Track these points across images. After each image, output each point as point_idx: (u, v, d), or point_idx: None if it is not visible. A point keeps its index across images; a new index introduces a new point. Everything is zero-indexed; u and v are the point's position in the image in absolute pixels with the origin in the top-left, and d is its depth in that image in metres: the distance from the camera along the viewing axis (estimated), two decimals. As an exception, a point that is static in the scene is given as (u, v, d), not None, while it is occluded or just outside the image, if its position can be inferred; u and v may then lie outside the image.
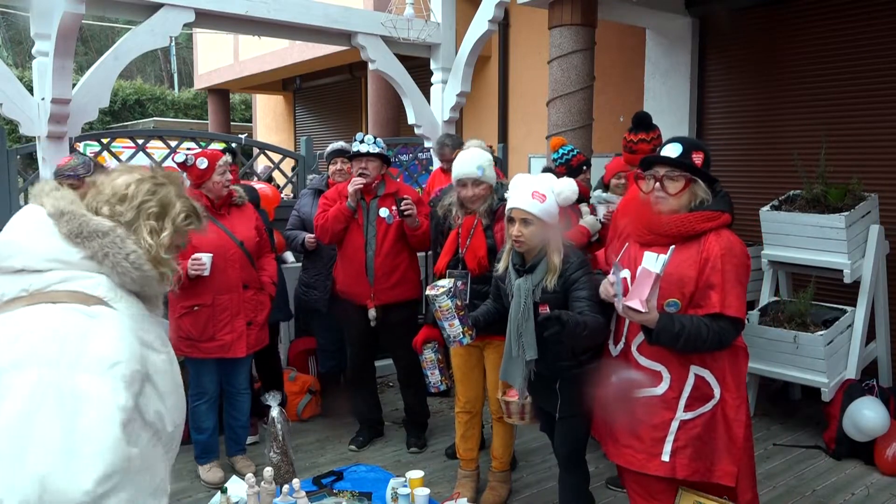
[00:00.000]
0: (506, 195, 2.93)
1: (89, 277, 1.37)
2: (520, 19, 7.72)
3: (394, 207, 4.07)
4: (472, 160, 3.43)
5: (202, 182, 3.71)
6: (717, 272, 2.39)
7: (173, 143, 4.95)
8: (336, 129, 12.05)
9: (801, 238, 4.51)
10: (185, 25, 4.41)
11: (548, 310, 2.70)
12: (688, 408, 2.48)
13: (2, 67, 3.90)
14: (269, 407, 3.76)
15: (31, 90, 4.05)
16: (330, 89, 12.10)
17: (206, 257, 3.57)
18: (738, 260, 2.44)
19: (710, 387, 2.48)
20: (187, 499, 3.74)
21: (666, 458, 2.48)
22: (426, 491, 3.24)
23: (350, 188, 4.02)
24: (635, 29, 6.37)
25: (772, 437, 4.48)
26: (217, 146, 4.84)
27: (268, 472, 3.22)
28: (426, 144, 5.70)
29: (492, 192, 3.49)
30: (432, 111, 5.60)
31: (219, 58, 12.58)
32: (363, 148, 4.04)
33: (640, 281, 2.33)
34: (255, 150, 5.75)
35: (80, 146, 5.26)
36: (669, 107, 6.15)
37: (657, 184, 2.49)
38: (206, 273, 3.57)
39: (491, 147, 4.87)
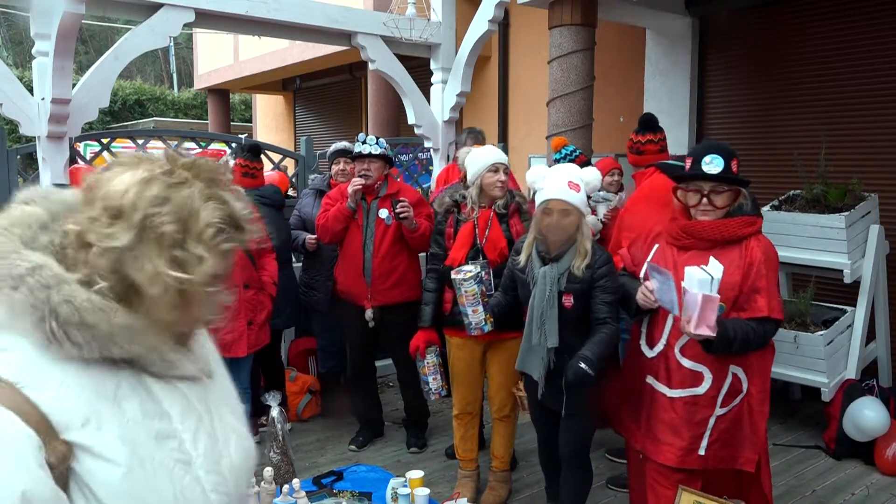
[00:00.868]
0: (537, 187, 2.92)
1: None
2: (520, 19, 7.72)
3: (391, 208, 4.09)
4: (500, 152, 3.53)
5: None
6: (763, 277, 2.51)
7: (173, 143, 4.95)
8: (336, 130, 12.04)
9: (802, 238, 4.51)
10: (185, 25, 4.41)
11: (572, 300, 2.77)
12: (723, 404, 2.61)
13: (2, 67, 3.90)
14: (269, 407, 3.75)
15: (31, 90, 4.04)
16: (330, 89, 12.09)
17: None
18: (776, 264, 2.59)
19: (741, 382, 2.62)
20: (187, 499, 3.74)
21: (702, 451, 2.62)
22: (426, 491, 3.24)
23: (350, 189, 4.02)
24: (635, 29, 6.37)
25: (772, 437, 4.47)
26: (217, 146, 4.84)
27: (268, 472, 3.22)
28: (426, 144, 5.70)
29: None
30: (432, 111, 5.60)
31: (219, 58, 12.57)
32: (365, 149, 4.04)
33: (704, 308, 2.37)
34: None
35: (81, 146, 5.26)
36: (669, 107, 6.15)
37: (704, 199, 2.56)
38: None
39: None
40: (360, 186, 4.02)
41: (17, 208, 1.01)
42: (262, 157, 5.42)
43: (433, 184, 5.35)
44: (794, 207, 4.66)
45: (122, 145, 5.31)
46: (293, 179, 5.87)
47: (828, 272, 4.51)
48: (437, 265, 3.60)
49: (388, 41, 5.24)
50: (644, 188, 3.59)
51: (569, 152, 4.11)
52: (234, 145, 5.32)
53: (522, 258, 2.92)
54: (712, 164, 2.54)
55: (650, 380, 2.71)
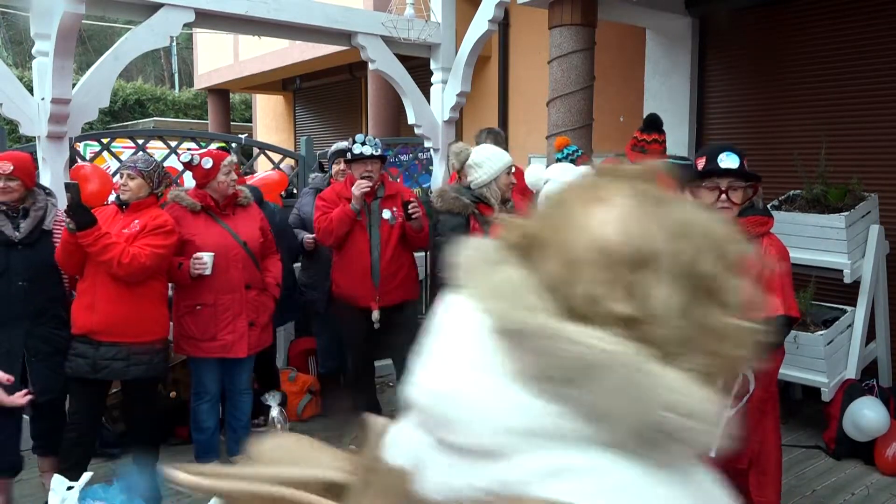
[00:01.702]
0: (538, 187, 2.90)
1: (574, 457, 0.67)
2: (520, 19, 7.71)
3: (394, 209, 4.08)
4: (506, 152, 3.53)
5: (207, 182, 3.71)
6: (777, 276, 2.55)
7: (173, 143, 4.95)
8: (336, 130, 12.04)
9: (801, 238, 4.51)
10: (185, 25, 4.40)
11: None
12: (732, 405, 2.61)
13: (2, 67, 3.90)
14: (269, 407, 3.75)
15: (31, 90, 4.04)
16: (330, 89, 12.09)
17: (207, 256, 3.57)
18: (789, 263, 2.64)
19: (748, 383, 2.66)
20: (187, 499, 3.74)
21: (713, 454, 2.56)
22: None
23: (356, 191, 3.98)
24: (635, 29, 6.37)
25: (772, 437, 4.48)
26: (216, 146, 4.84)
27: (268, 471, 3.22)
28: (426, 144, 5.69)
29: None
30: (432, 111, 5.60)
31: (219, 58, 12.57)
32: (367, 150, 4.01)
33: None
34: (255, 150, 5.75)
35: (81, 146, 5.26)
36: (669, 107, 6.14)
37: (722, 195, 2.59)
38: (208, 272, 3.58)
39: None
40: (368, 188, 4.00)
41: (497, 267, 0.74)
42: (262, 156, 5.43)
43: (433, 185, 5.35)
44: (794, 207, 4.66)
45: (122, 145, 5.31)
46: (293, 179, 5.86)
47: (828, 272, 4.51)
48: None
49: (388, 41, 5.24)
50: None
51: (571, 152, 4.11)
52: (233, 145, 5.32)
53: None
54: (729, 160, 2.57)
55: None
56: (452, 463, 0.72)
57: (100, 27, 24.40)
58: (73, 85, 4.07)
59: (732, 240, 0.73)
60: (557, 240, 0.72)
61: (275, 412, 3.69)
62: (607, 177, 0.76)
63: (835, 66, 5.28)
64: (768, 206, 4.73)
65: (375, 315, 4.10)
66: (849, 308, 4.53)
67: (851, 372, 4.38)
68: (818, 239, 4.43)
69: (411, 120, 5.54)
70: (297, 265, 4.83)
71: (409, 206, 3.96)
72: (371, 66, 5.35)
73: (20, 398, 2.42)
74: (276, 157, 5.70)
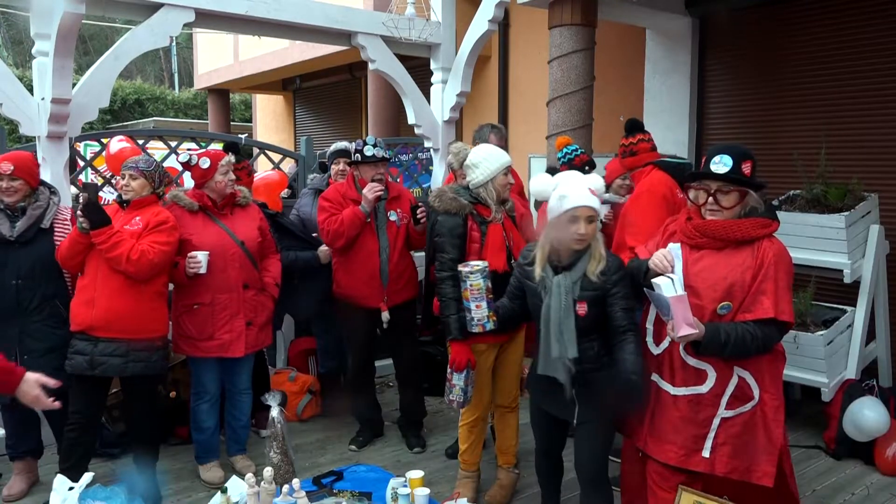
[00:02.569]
0: (546, 196, 2.86)
1: None
2: (520, 19, 7.72)
3: (399, 210, 4.11)
4: (505, 152, 3.48)
5: (205, 182, 3.73)
6: (770, 279, 2.51)
7: (173, 143, 4.95)
8: (336, 130, 12.04)
9: (801, 238, 4.51)
10: (185, 25, 4.41)
11: (586, 307, 2.69)
12: (729, 406, 2.60)
13: (2, 67, 3.90)
14: (269, 407, 3.75)
15: (31, 90, 4.04)
16: (330, 89, 12.09)
17: (201, 255, 3.58)
18: (789, 267, 2.58)
19: (750, 388, 2.61)
20: (187, 498, 3.75)
21: (706, 453, 2.60)
22: (426, 491, 3.24)
23: (370, 195, 3.98)
24: (635, 29, 6.37)
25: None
26: (217, 146, 4.83)
27: (268, 471, 3.22)
28: (426, 144, 5.70)
29: None
30: (432, 111, 5.60)
31: (219, 58, 12.57)
32: (378, 153, 4.03)
33: (675, 309, 2.41)
34: (255, 150, 5.75)
35: (81, 146, 5.26)
36: (669, 106, 6.15)
37: (710, 198, 2.58)
38: (203, 271, 3.59)
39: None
40: (381, 192, 4.03)
41: None
42: (262, 156, 5.42)
43: (433, 185, 5.35)
44: (794, 207, 4.66)
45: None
46: (293, 180, 5.86)
47: (828, 272, 4.51)
48: (455, 270, 3.32)
49: (388, 41, 5.24)
50: (644, 185, 3.60)
51: (570, 151, 4.10)
52: (226, 143, 5.31)
53: (538, 268, 2.79)
54: (720, 164, 2.56)
55: (655, 377, 2.71)
56: None
57: (100, 27, 24.40)
58: (73, 85, 4.07)
59: None
60: None
61: (275, 412, 3.69)
62: None
63: (835, 65, 5.28)
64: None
65: (385, 316, 4.12)
66: (849, 308, 4.53)
67: (851, 372, 4.38)
68: (818, 239, 4.44)
69: (411, 120, 5.55)
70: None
71: (418, 211, 4.01)
72: (371, 66, 5.36)
73: (52, 403, 2.48)
74: (277, 157, 5.70)
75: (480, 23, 5.29)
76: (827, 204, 4.51)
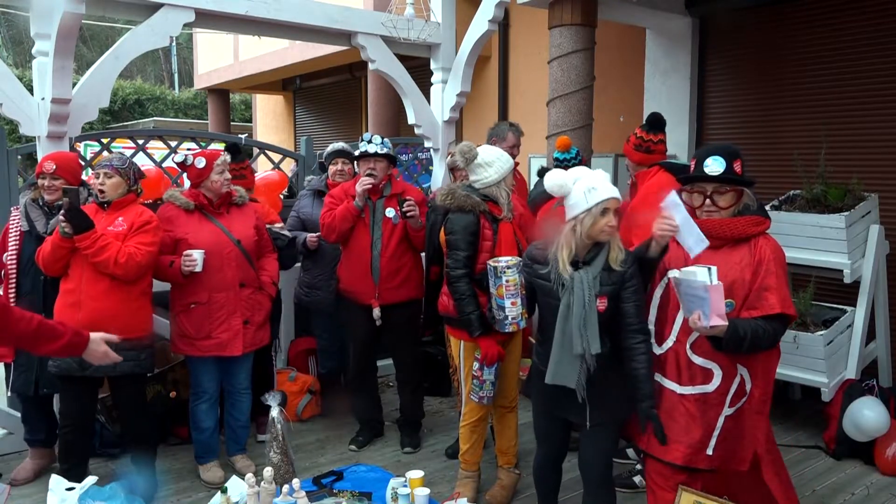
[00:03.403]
0: (564, 191, 2.82)
1: None
2: (520, 19, 7.72)
3: (398, 208, 4.09)
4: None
5: (201, 181, 3.72)
6: (772, 275, 2.56)
7: (173, 143, 4.95)
8: (336, 130, 12.04)
9: (801, 238, 4.51)
10: (185, 25, 4.40)
11: (606, 302, 2.68)
12: (731, 403, 2.65)
13: (2, 67, 3.89)
14: (269, 407, 3.75)
15: (31, 90, 4.04)
16: (330, 89, 12.09)
17: (197, 254, 3.58)
18: (785, 262, 2.64)
19: (745, 384, 2.66)
20: (187, 498, 3.75)
21: (710, 451, 2.65)
22: (426, 491, 3.24)
23: (358, 188, 4.01)
24: (635, 29, 6.37)
25: (772, 437, 4.48)
26: (217, 146, 4.84)
27: (268, 471, 3.22)
28: (426, 144, 5.69)
29: None
30: (432, 111, 5.60)
31: (219, 58, 12.58)
32: (371, 148, 4.04)
33: (713, 298, 2.40)
34: (255, 150, 5.75)
35: (81, 146, 5.26)
36: (669, 107, 6.14)
37: (707, 200, 2.62)
38: (198, 269, 3.59)
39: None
40: (370, 185, 4.02)
41: None
42: (262, 156, 5.42)
43: (433, 185, 5.35)
44: (794, 207, 4.66)
45: (122, 145, 5.31)
46: (292, 180, 5.86)
47: (828, 272, 4.51)
48: (470, 268, 3.37)
49: (388, 41, 5.24)
50: (652, 186, 3.59)
51: (575, 154, 4.11)
52: (227, 144, 5.31)
53: (562, 264, 2.71)
54: (714, 166, 2.59)
55: (659, 377, 2.72)
56: None
57: (100, 27, 24.40)
58: (74, 85, 4.07)
59: None
60: None
61: (275, 412, 3.69)
62: None
63: (835, 65, 5.28)
64: (768, 206, 4.74)
65: (376, 313, 4.10)
66: (849, 308, 4.53)
67: (851, 372, 4.38)
68: (818, 239, 4.44)
69: (411, 120, 5.54)
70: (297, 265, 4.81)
71: (405, 204, 3.97)
72: (371, 66, 5.35)
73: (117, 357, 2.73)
74: (277, 157, 5.71)
75: (480, 23, 5.28)
76: (827, 204, 4.51)
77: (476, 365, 3.34)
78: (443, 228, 3.50)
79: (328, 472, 3.80)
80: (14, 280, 3.67)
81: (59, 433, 3.52)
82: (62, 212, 3.29)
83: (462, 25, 5.50)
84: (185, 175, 4.37)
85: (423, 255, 4.19)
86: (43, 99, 3.96)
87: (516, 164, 3.77)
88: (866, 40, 5.10)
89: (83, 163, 4.65)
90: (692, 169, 2.68)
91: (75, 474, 3.33)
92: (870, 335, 4.63)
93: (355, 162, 4.28)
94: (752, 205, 2.68)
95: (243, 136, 5.59)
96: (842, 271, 4.37)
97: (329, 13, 4.94)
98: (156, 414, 4.31)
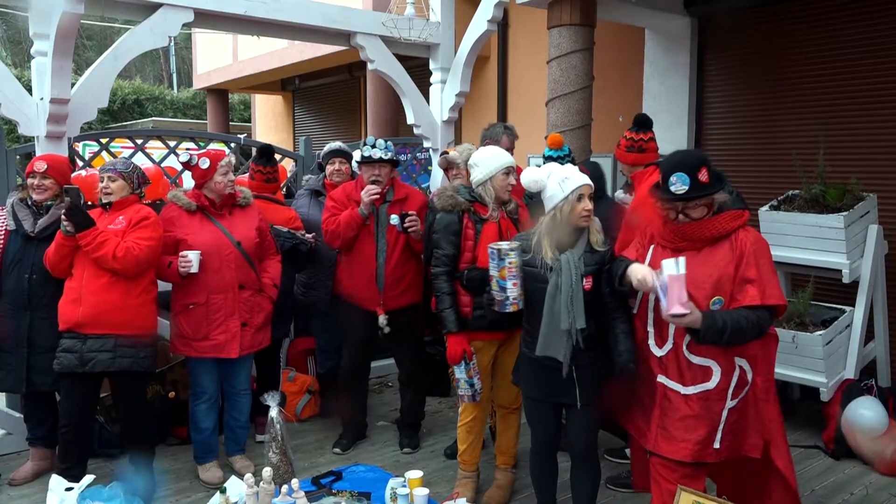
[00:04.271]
0: (540, 185, 2.97)
1: None
2: (519, 19, 7.72)
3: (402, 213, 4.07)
4: (510, 155, 3.52)
5: (204, 182, 3.73)
6: (752, 267, 2.59)
7: (172, 143, 4.95)
8: (335, 130, 12.04)
9: (800, 238, 4.51)
10: (184, 25, 4.40)
11: (591, 281, 2.89)
12: (733, 396, 2.68)
13: (0, 67, 3.89)
14: (269, 407, 3.75)
15: (29, 90, 4.04)
16: (329, 89, 12.09)
17: (192, 255, 3.59)
18: (768, 251, 2.68)
19: (746, 374, 2.70)
20: (186, 499, 3.74)
21: (717, 445, 2.69)
22: (425, 491, 3.24)
23: (365, 197, 3.96)
24: (634, 29, 6.37)
25: (771, 437, 4.47)
26: (216, 146, 4.83)
27: (267, 472, 3.22)
28: (425, 144, 5.70)
29: None
30: (431, 111, 5.60)
31: (218, 58, 12.57)
32: (376, 154, 3.98)
33: (671, 287, 2.46)
34: (254, 150, 5.74)
35: (79, 146, 5.25)
36: (668, 106, 6.15)
37: (679, 215, 2.66)
38: (194, 270, 3.59)
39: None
40: (377, 195, 3.98)
41: None
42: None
43: (431, 185, 5.34)
44: (792, 207, 4.66)
45: (121, 145, 5.30)
46: (291, 179, 5.85)
47: (826, 272, 4.51)
48: (450, 266, 3.45)
49: (387, 41, 5.24)
50: (644, 189, 3.59)
51: (568, 153, 4.10)
52: (232, 145, 5.31)
53: (548, 252, 2.92)
54: (678, 184, 2.60)
55: (662, 379, 2.75)
56: None
57: (99, 27, 24.38)
58: (72, 85, 4.07)
59: None
60: None
61: (273, 412, 3.69)
62: None
63: (834, 65, 5.28)
64: (766, 206, 4.75)
65: (382, 320, 4.08)
66: (847, 308, 4.53)
67: (850, 372, 4.39)
68: (817, 239, 4.44)
69: (410, 120, 5.55)
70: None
71: (407, 220, 3.95)
72: (370, 66, 5.35)
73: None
74: (276, 157, 5.69)
75: (479, 23, 5.29)
76: (826, 204, 4.52)
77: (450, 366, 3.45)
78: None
79: (327, 473, 3.80)
80: None
81: (59, 431, 3.53)
82: (63, 211, 3.31)
83: (461, 25, 5.50)
84: (184, 175, 4.38)
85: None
86: (42, 99, 3.96)
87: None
88: (865, 40, 5.10)
89: (81, 162, 4.66)
90: (661, 183, 2.68)
91: (74, 474, 3.33)
92: (868, 335, 4.63)
93: (358, 165, 4.20)
94: (728, 200, 2.70)
95: (242, 136, 5.59)
96: (840, 271, 4.37)
97: (328, 13, 4.94)
98: (155, 414, 4.32)
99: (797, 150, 5.12)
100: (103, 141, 4.75)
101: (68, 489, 3.15)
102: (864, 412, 4.06)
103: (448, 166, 4.25)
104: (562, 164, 3.96)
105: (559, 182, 2.90)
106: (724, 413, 2.68)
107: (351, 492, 3.51)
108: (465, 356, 3.37)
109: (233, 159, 3.85)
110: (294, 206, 4.86)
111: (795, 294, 4.68)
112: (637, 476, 3.20)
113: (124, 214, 3.50)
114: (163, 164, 4.90)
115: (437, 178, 5.56)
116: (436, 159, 5.61)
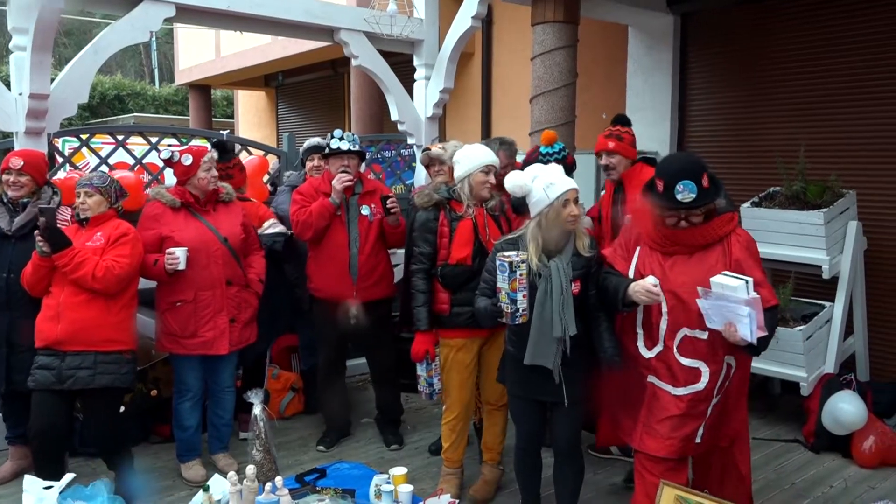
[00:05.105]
0: (525, 189, 2.94)
1: None
2: (503, 16, 7.72)
3: (373, 205, 4.07)
4: (492, 153, 3.52)
5: (187, 178, 3.69)
6: (754, 269, 2.62)
7: (154, 140, 4.90)
8: (319, 126, 11.98)
9: (781, 234, 4.56)
10: (165, 20, 4.36)
11: (579, 286, 2.89)
12: (718, 392, 2.73)
13: (-22, 62, 3.84)
14: (252, 405, 3.73)
15: (8, 85, 3.99)
16: (313, 85, 12.03)
17: (179, 251, 3.55)
18: (757, 252, 2.72)
19: (731, 368, 2.74)
20: (169, 497, 3.72)
21: (699, 439, 2.75)
22: (410, 487, 3.24)
23: (337, 184, 3.97)
24: (618, 26, 6.40)
25: (752, 432, 4.47)
26: (198, 142, 4.79)
27: (250, 469, 3.21)
28: (409, 141, 5.69)
29: None
30: (416, 107, 5.59)
31: (200, 53, 12.46)
32: (344, 145, 4.02)
33: (756, 311, 2.46)
34: (238, 147, 5.70)
35: (59, 142, 5.19)
36: (652, 104, 6.18)
37: (682, 221, 2.67)
38: (181, 267, 3.55)
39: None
40: (349, 182, 3.99)
41: None
42: (244, 152, 5.38)
43: (416, 181, 5.34)
44: (773, 204, 4.71)
45: (102, 141, 5.25)
46: (271, 173, 5.82)
47: (807, 268, 4.56)
48: (426, 264, 3.49)
49: (371, 37, 5.22)
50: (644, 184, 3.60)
51: (561, 148, 4.09)
52: (213, 141, 5.27)
53: (534, 258, 2.89)
54: (685, 192, 2.60)
55: (652, 379, 2.78)
56: None
57: (78, 23, 24.10)
58: (52, 80, 4.02)
59: None
60: None
61: (257, 410, 3.67)
62: None
63: (815, 64, 5.33)
64: (748, 202, 4.79)
65: (353, 311, 4.06)
66: (827, 303, 4.59)
67: (830, 366, 4.44)
68: (797, 235, 4.49)
69: (394, 116, 5.54)
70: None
71: (388, 201, 3.96)
72: (354, 63, 5.34)
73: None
74: (259, 153, 5.67)
75: (463, 19, 5.28)
76: (806, 201, 4.57)
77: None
78: None
79: (311, 470, 3.79)
80: None
81: (30, 447, 3.42)
82: (38, 231, 3.23)
83: (445, 22, 5.50)
84: (165, 172, 4.34)
85: (403, 252, 4.18)
86: (20, 94, 3.91)
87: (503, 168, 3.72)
88: (846, 38, 5.15)
89: (61, 158, 4.61)
90: (661, 189, 2.66)
91: (50, 473, 3.25)
92: (848, 330, 4.69)
93: (325, 160, 4.21)
94: (722, 204, 2.73)
95: (225, 133, 5.55)
96: (821, 267, 4.42)
97: (311, 9, 4.91)
98: (137, 412, 4.28)
99: (778, 146, 5.17)
100: (83, 137, 4.70)
101: (47, 487, 3.11)
102: (844, 406, 4.11)
103: (430, 163, 4.25)
104: (556, 160, 3.98)
105: (544, 188, 2.87)
106: (709, 410, 2.72)
107: (335, 489, 3.51)
108: (428, 356, 3.46)
109: (215, 155, 3.83)
110: (275, 202, 4.84)
111: (776, 290, 4.72)
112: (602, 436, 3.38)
113: (102, 230, 3.40)
114: (144, 161, 4.86)
115: (420, 174, 5.55)
116: (420, 156, 5.61)
